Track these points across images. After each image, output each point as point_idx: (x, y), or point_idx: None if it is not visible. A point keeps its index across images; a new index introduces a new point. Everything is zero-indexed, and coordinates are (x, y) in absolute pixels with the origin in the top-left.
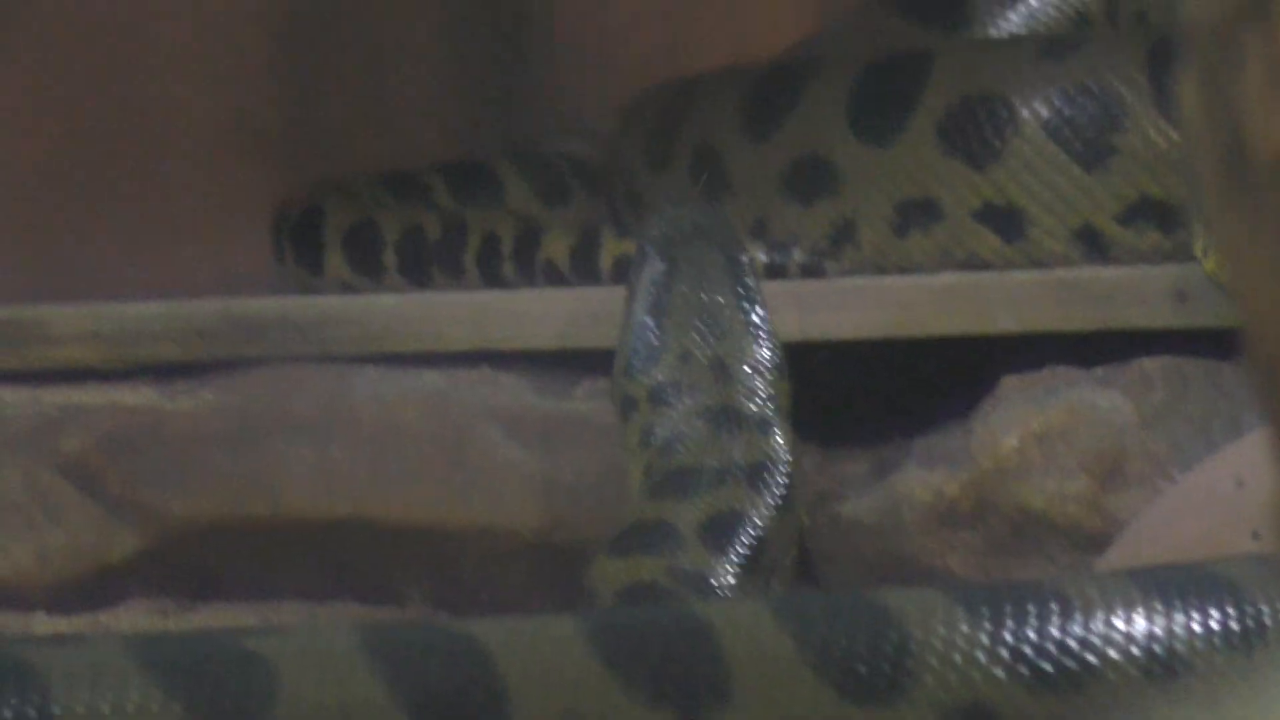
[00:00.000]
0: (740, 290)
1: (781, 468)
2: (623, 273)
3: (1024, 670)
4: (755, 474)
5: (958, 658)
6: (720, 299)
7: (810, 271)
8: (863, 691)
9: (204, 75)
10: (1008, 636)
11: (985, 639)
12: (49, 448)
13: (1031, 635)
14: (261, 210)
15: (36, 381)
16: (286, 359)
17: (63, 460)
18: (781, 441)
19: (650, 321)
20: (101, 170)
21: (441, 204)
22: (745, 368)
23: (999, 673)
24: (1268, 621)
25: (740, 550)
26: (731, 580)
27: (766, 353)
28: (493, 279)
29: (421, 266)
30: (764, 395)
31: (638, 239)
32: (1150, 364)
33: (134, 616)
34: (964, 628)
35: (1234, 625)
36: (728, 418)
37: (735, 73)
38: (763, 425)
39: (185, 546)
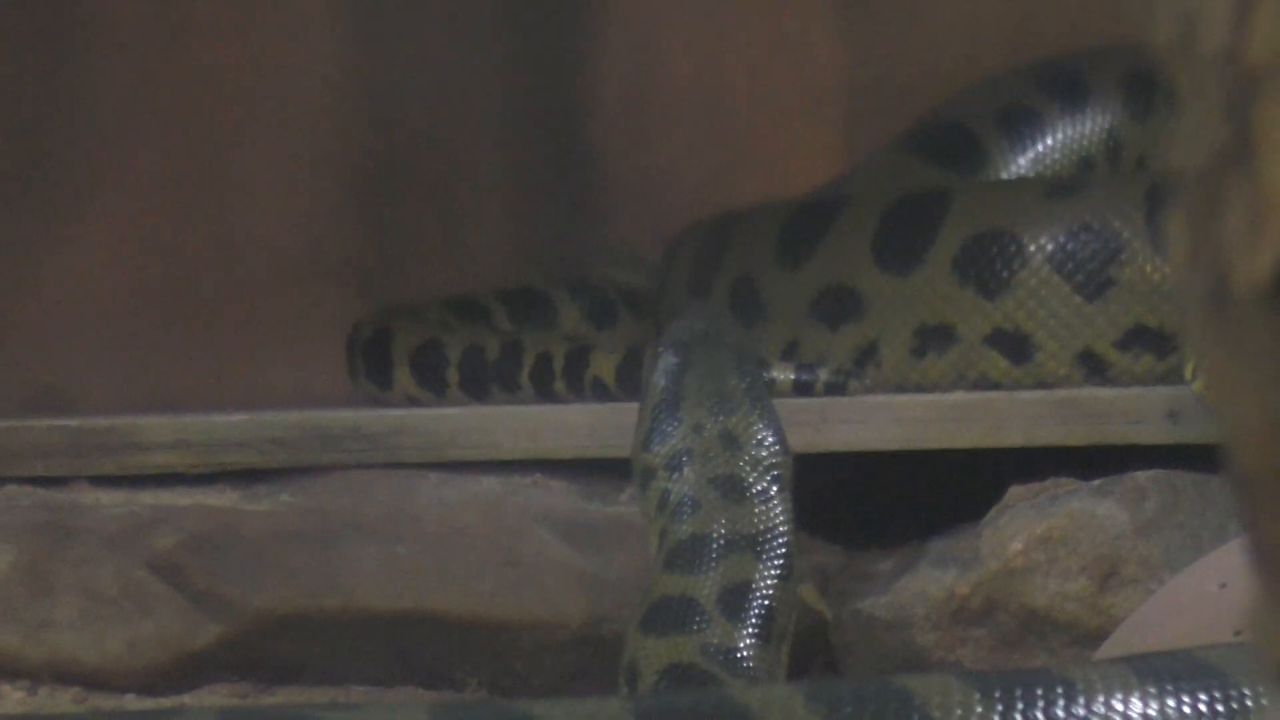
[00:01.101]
0: (747, 378)
1: (782, 537)
2: None
3: None
4: (760, 543)
5: None
6: (729, 383)
7: (835, 389)
8: None
9: (285, 209)
10: (1018, 717)
11: (997, 719)
12: (141, 545)
13: (1039, 716)
14: (337, 331)
15: (130, 485)
16: (358, 466)
17: (153, 557)
18: (783, 512)
19: (666, 403)
20: (192, 295)
21: (501, 327)
22: (752, 441)
23: None
24: (1249, 703)
25: (755, 621)
26: (751, 652)
27: (771, 429)
28: (545, 394)
29: (481, 383)
30: (767, 466)
31: (654, 344)
32: (1144, 476)
33: (215, 700)
34: (979, 709)
35: (1219, 706)
36: (734, 486)
37: (770, 208)
38: (765, 496)
39: (263, 636)
